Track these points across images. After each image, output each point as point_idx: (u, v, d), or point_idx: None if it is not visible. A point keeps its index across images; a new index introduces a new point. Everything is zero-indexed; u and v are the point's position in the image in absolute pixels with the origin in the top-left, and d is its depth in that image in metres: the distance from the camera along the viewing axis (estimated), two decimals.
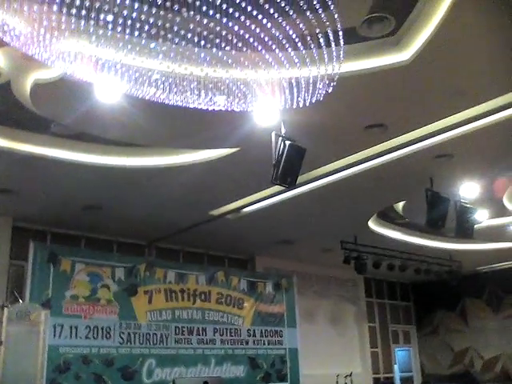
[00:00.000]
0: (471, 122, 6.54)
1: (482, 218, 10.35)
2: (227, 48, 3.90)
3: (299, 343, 13.47)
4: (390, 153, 7.45)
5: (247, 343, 12.57)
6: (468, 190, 8.96)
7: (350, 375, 13.36)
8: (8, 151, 7.06)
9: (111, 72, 3.96)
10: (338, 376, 13.22)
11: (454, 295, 16.24)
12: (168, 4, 3.44)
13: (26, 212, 9.65)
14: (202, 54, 3.96)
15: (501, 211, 10.75)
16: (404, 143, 7.17)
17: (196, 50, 3.90)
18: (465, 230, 8.83)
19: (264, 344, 12.86)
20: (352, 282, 15.77)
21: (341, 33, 4.19)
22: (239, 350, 12.39)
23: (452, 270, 13.88)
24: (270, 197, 9.08)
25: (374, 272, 13.23)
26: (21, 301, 9.39)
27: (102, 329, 10.38)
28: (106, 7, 3.42)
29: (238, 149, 7.32)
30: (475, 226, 9.04)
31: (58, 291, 9.94)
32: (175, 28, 3.62)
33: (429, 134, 6.90)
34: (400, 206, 10.65)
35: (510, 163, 8.11)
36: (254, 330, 12.78)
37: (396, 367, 16.68)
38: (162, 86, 4.31)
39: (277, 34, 3.95)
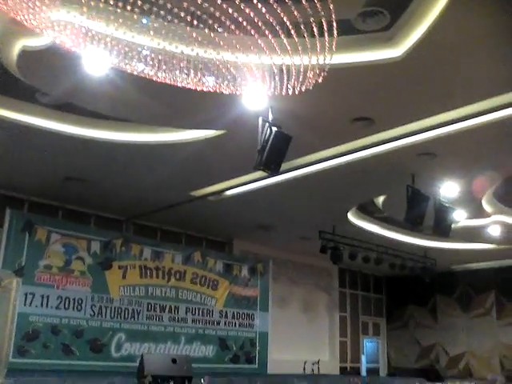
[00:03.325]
0: (456, 122, 6.59)
1: (460, 217, 10.47)
2: (220, 30, 3.85)
3: (270, 328, 13.60)
4: (374, 147, 7.48)
5: (218, 324, 12.65)
6: (448, 189, 9.05)
7: (318, 362, 13.52)
8: None
9: (101, 45, 3.90)
10: (305, 362, 13.37)
11: (426, 291, 16.46)
12: None
13: (5, 179, 9.52)
14: (194, 34, 3.90)
15: (478, 212, 10.87)
16: (389, 138, 7.21)
17: (188, 29, 3.84)
18: (442, 229, 8.93)
19: (235, 326, 12.95)
20: (327, 271, 15.90)
21: (335, 23, 4.16)
22: (210, 330, 12.47)
23: (426, 267, 14.05)
24: (253, 182, 9.08)
25: (349, 263, 13.34)
26: None
27: (74, 300, 10.37)
28: None
29: (224, 132, 7.28)
30: (452, 226, 9.14)
31: (31, 260, 9.90)
32: (168, 5, 3.56)
33: (414, 132, 6.94)
34: (380, 200, 10.71)
35: (492, 164, 8.20)
36: (227, 312, 12.85)
37: (363, 358, 16.91)
38: (151, 62, 4.25)
39: (271, 20, 3.91)
